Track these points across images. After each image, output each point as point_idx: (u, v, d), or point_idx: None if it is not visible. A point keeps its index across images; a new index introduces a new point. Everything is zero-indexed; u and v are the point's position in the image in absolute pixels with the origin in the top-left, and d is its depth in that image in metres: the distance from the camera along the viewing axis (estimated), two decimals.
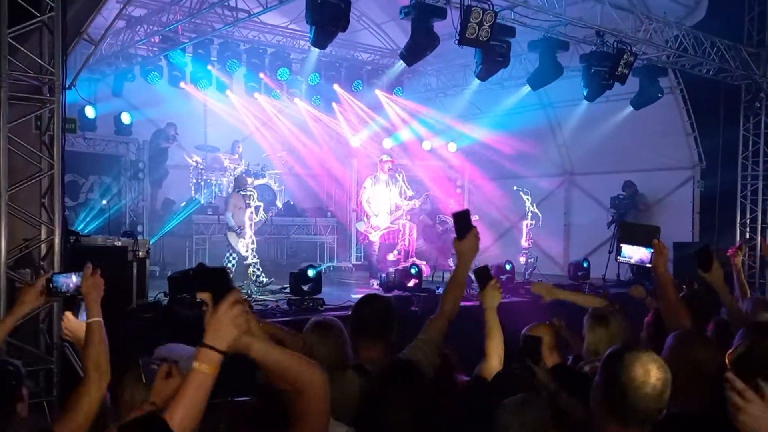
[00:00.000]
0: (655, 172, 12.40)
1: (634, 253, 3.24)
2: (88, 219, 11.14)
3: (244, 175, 10.56)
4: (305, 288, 7.93)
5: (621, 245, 3.28)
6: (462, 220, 2.98)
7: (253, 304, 7.95)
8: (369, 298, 3.26)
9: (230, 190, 12.16)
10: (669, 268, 3.32)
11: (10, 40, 5.17)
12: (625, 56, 9.52)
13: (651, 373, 2.23)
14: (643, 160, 12.22)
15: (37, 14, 5.32)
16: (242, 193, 9.71)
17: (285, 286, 8.91)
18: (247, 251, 8.90)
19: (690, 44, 10.17)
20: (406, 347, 2.93)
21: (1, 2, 5.11)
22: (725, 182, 11.62)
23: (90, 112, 11.53)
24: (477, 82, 10.95)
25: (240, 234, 9.39)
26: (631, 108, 11.14)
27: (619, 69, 9.57)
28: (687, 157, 12.27)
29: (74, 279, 2.91)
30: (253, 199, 9.31)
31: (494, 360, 3.12)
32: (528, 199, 11.51)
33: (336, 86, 13.35)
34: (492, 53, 8.99)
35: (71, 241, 6.11)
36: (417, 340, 2.93)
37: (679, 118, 12.07)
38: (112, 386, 2.63)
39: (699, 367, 2.74)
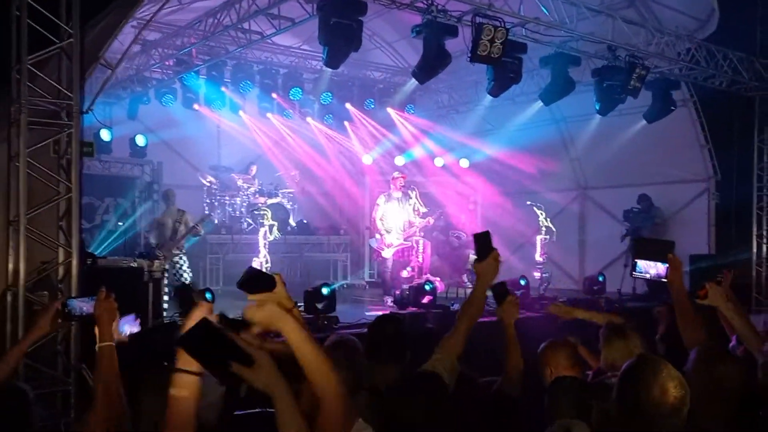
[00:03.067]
0: (669, 185, 12.33)
1: (650, 268, 3.23)
2: (104, 241, 11.23)
3: (171, 189, 10.44)
4: (319, 306, 7.94)
5: (636, 260, 3.26)
6: (482, 241, 2.97)
7: None
8: (380, 321, 3.25)
9: (243, 209, 12.26)
10: (685, 281, 3.32)
11: (29, 66, 5.26)
12: (637, 70, 9.52)
13: (669, 390, 2.21)
14: (658, 173, 12.16)
15: (56, 41, 5.41)
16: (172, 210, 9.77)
17: (299, 304, 8.92)
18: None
19: (702, 57, 10.16)
20: (422, 366, 2.91)
21: (21, 30, 5.20)
22: (741, 194, 11.55)
23: (105, 135, 11.66)
24: (489, 98, 10.98)
25: (156, 253, 9.21)
26: (644, 121, 11.11)
27: (632, 83, 9.56)
28: (701, 169, 12.21)
29: (88, 303, 2.94)
30: (267, 218, 9.35)
31: (513, 375, 3.10)
32: (542, 214, 11.48)
33: (348, 105, 13.44)
34: (504, 70, 9.02)
35: (88, 262, 6.16)
36: (433, 358, 2.92)
37: (693, 131, 12.03)
38: (131, 401, 2.66)
39: (722, 383, 2.72)
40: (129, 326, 3.07)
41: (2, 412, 2.40)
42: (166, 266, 9.13)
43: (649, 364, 2.34)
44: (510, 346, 3.25)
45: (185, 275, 9.48)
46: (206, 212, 11.54)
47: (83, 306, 2.97)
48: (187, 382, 1.79)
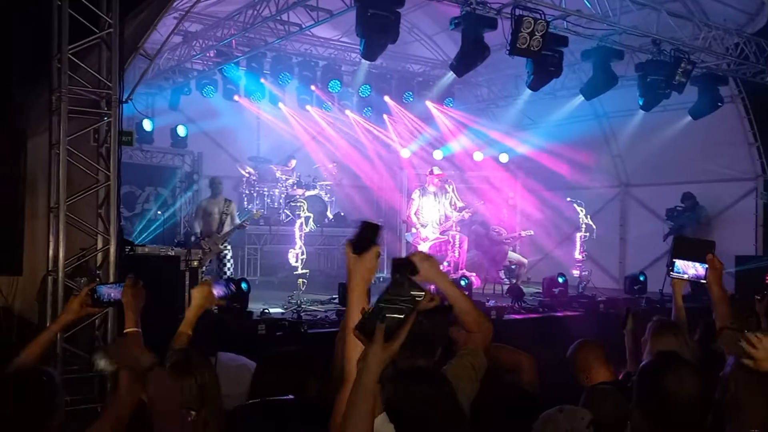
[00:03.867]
0: (715, 184, 11.98)
1: (689, 269, 3.13)
2: (143, 229, 11.43)
3: (219, 178, 10.27)
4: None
5: (674, 260, 3.16)
6: (399, 267, 2.43)
7: (302, 314, 8.01)
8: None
9: (281, 201, 12.34)
10: (730, 282, 3.22)
11: (70, 56, 5.36)
12: (682, 65, 9.28)
13: (686, 383, 2.19)
14: (703, 171, 11.83)
15: (96, 31, 5.50)
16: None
17: (334, 296, 8.95)
18: (297, 262, 8.97)
19: (752, 52, 9.85)
20: (449, 361, 2.87)
21: (62, 20, 5.29)
22: None
23: (147, 125, 11.86)
24: (529, 92, 10.82)
25: (201, 243, 9.21)
26: (689, 117, 10.82)
27: (677, 78, 9.33)
28: (749, 167, 11.84)
29: (116, 290, 2.99)
30: (303, 209, 9.38)
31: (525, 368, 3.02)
32: (582, 211, 11.29)
33: (387, 98, 13.40)
34: (544, 63, 8.86)
35: (126, 250, 6.26)
36: (458, 354, 2.87)
37: (741, 128, 11.67)
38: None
39: (762, 387, 2.64)
40: (220, 289, 3.15)
41: (25, 395, 2.44)
42: (209, 258, 9.21)
43: (665, 358, 2.33)
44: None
45: (228, 265, 9.52)
46: (257, 209, 11.44)
47: (111, 292, 3.02)
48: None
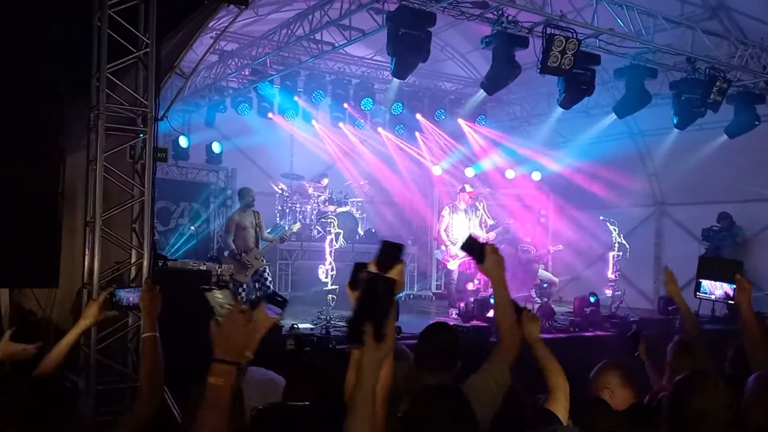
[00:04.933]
0: (752, 204, 11.74)
1: (715, 289, 3.09)
2: (177, 244, 11.62)
3: (251, 189, 9.82)
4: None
5: (700, 281, 3.13)
6: (471, 247, 2.83)
7: (331, 329, 8.04)
8: (432, 329, 3.21)
9: (313, 217, 12.44)
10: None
11: (108, 75, 5.52)
12: (718, 83, 9.18)
13: (717, 400, 2.18)
14: (740, 190, 11.61)
15: (134, 50, 5.66)
16: (252, 210, 9.32)
17: None
18: (326, 277, 9.02)
19: None
20: (470, 377, 2.88)
21: (102, 40, 5.46)
22: None
23: (183, 141, 12.11)
24: (561, 110, 10.78)
25: (240, 260, 9.03)
26: (725, 136, 10.66)
27: (712, 96, 9.22)
28: None
29: (134, 294, 3.06)
30: (334, 226, 9.43)
31: (559, 395, 3.00)
32: (615, 230, 11.16)
33: (418, 115, 13.47)
34: (575, 81, 8.84)
35: (159, 264, 6.38)
36: (481, 368, 2.88)
37: None
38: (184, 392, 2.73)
39: None
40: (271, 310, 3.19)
41: (44, 399, 2.49)
42: (251, 274, 9.15)
43: (697, 377, 2.32)
44: (545, 362, 3.06)
45: (269, 281, 9.42)
46: (293, 223, 11.34)
47: (130, 296, 3.10)
48: (224, 371, 1.84)
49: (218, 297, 1.95)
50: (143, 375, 2.75)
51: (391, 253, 2.24)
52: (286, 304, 2.94)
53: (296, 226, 9.87)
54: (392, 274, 2.04)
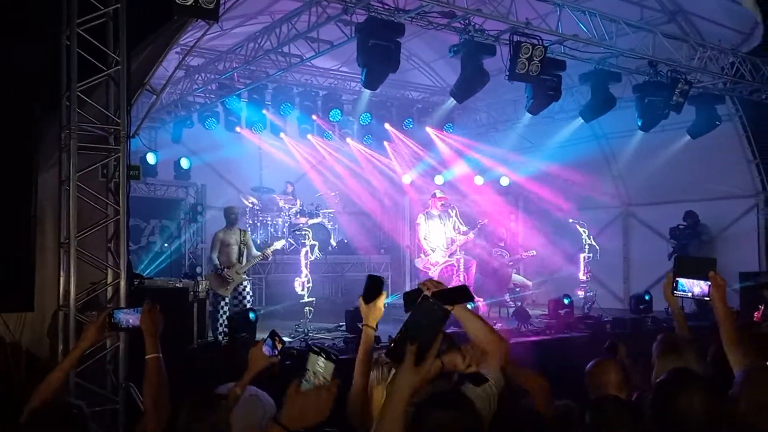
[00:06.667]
0: (716, 202, 12.05)
1: (693, 287, 3.15)
2: (150, 262, 11.46)
3: (235, 207, 10.01)
4: (360, 326, 7.93)
5: (678, 279, 3.19)
6: (375, 284, 2.79)
7: (310, 342, 8.01)
8: None
9: (285, 230, 12.39)
10: (735, 299, 3.25)
11: (79, 93, 5.45)
12: (679, 85, 9.40)
13: (697, 400, 2.22)
14: (704, 189, 11.91)
15: (104, 68, 5.60)
16: (236, 228, 9.48)
17: (341, 324, 8.96)
18: (303, 290, 8.98)
19: (747, 70, 9.97)
20: (465, 383, 2.89)
21: (71, 58, 5.39)
22: None
23: (151, 158, 11.97)
24: (528, 116, 10.94)
25: (221, 275, 9.10)
26: (688, 137, 10.92)
27: (674, 98, 9.45)
28: (749, 185, 11.93)
29: (133, 315, 3.02)
30: (309, 238, 9.42)
31: (537, 393, 3.04)
32: (584, 232, 11.33)
33: (387, 125, 13.53)
34: (543, 87, 8.99)
35: (135, 283, 6.30)
36: None
37: (740, 146, 11.78)
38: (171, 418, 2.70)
39: None
40: (268, 349, 3.16)
41: (60, 428, 2.45)
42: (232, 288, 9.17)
43: (679, 376, 2.36)
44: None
45: (248, 297, 9.40)
46: (280, 237, 11.40)
47: (129, 318, 3.05)
48: None
49: (319, 366, 1.80)
50: (148, 396, 2.72)
51: (375, 286, 2.61)
52: (284, 344, 3.00)
53: (280, 243, 9.82)
54: (377, 305, 2.37)
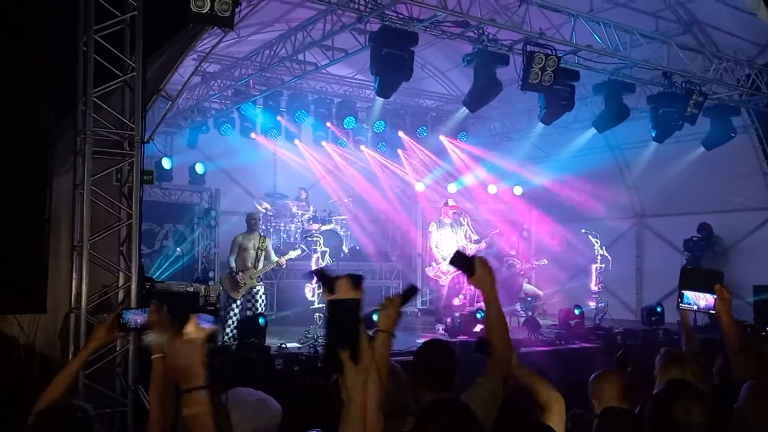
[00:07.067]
0: (730, 214, 11.95)
1: (699, 300, 3.15)
2: (162, 265, 11.56)
3: (256, 214, 10.25)
4: (370, 333, 7.93)
5: (683, 291, 3.19)
6: (460, 260, 2.86)
7: (318, 348, 8.03)
8: (430, 347, 3.22)
9: (297, 236, 12.44)
10: (749, 312, 3.23)
11: (95, 99, 5.53)
12: (694, 96, 9.37)
13: (694, 411, 2.23)
14: (718, 201, 11.82)
15: (120, 74, 5.68)
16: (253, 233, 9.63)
17: None
18: (313, 296, 9.03)
19: (763, 82, 9.92)
20: (465, 391, 2.90)
21: (88, 64, 5.48)
22: None
23: (166, 163, 12.09)
24: (542, 125, 10.92)
25: (234, 278, 9.24)
26: (702, 148, 10.86)
27: (689, 109, 9.41)
28: (764, 196, 11.80)
29: (141, 315, 3.07)
30: (320, 244, 9.47)
31: (554, 407, 3.02)
32: (597, 242, 11.28)
33: (401, 133, 13.58)
34: (556, 97, 8.99)
35: (147, 286, 6.37)
36: (476, 382, 2.90)
37: (755, 158, 11.66)
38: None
39: None
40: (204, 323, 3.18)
41: (66, 430, 2.48)
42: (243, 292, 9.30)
43: (675, 388, 2.37)
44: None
45: (260, 302, 9.51)
46: (294, 244, 11.56)
47: (137, 318, 3.10)
48: (195, 398, 1.85)
49: (151, 339, 1.96)
50: (154, 396, 2.75)
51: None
52: (218, 312, 3.03)
53: (295, 253, 9.92)
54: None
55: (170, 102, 6.90)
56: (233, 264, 9.40)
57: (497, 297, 2.87)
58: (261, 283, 9.58)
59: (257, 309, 9.25)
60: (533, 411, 3.21)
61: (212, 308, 8.60)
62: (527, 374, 3.14)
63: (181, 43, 6.33)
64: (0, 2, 5.23)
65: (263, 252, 9.55)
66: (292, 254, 9.89)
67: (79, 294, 5.53)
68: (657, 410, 2.40)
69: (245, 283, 9.19)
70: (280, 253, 12.03)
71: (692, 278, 3.21)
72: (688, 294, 3.17)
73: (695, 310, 3.19)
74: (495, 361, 2.98)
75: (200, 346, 1.90)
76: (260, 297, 9.48)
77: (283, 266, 10.05)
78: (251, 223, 9.73)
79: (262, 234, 9.93)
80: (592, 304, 11.07)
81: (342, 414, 1.92)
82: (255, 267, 9.40)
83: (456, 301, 10.76)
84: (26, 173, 5.23)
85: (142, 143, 5.83)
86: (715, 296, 3.10)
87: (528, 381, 3.11)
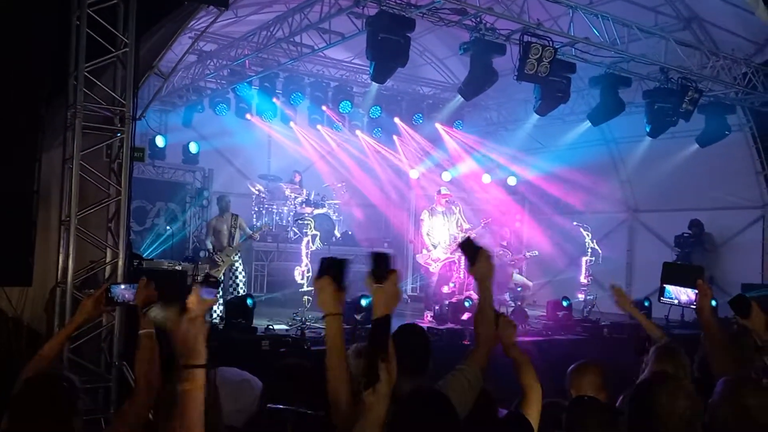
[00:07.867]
0: (722, 211, 12.00)
1: (680, 294, 3.16)
2: (153, 243, 11.55)
3: (226, 196, 10.44)
4: (358, 317, 8.00)
5: (664, 286, 3.20)
6: (468, 247, 2.90)
7: (306, 331, 8.06)
8: (404, 330, 3.23)
9: (290, 219, 12.45)
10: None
11: (86, 74, 5.49)
12: (690, 93, 9.37)
13: (678, 402, 2.24)
14: (710, 198, 11.86)
15: (112, 50, 5.63)
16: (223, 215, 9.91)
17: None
18: (302, 279, 9.05)
19: (759, 81, 9.92)
20: (443, 377, 2.91)
21: (80, 39, 5.44)
22: None
23: (160, 141, 12.05)
24: (537, 116, 10.92)
25: (212, 258, 9.54)
26: (697, 145, 10.88)
27: (684, 106, 9.42)
28: (756, 196, 11.86)
29: (130, 291, 3.08)
30: (311, 228, 9.49)
31: (532, 396, 3.04)
32: (588, 235, 11.32)
33: (397, 119, 13.55)
34: (551, 89, 8.98)
35: (134, 263, 6.36)
36: (456, 369, 2.91)
37: (749, 157, 11.70)
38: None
39: (749, 414, 2.66)
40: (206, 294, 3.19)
41: (51, 399, 2.49)
42: (224, 270, 9.55)
43: (660, 378, 2.38)
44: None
45: (240, 277, 9.74)
46: (264, 222, 11.90)
47: (125, 293, 3.11)
48: (194, 375, 1.86)
49: (156, 314, 1.98)
50: (139, 370, 2.77)
51: (382, 264, 2.52)
52: (219, 284, 3.05)
53: (265, 227, 10.29)
54: (388, 285, 2.35)
55: (164, 80, 6.85)
56: (209, 246, 9.72)
57: (491, 292, 2.91)
58: (239, 259, 9.85)
59: (238, 284, 9.51)
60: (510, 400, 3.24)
61: (214, 280, 8.66)
62: (520, 355, 3.15)
63: (176, 20, 6.27)
64: None
65: (236, 230, 9.83)
66: (263, 227, 10.37)
67: (65, 268, 5.52)
68: (638, 399, 2.40)
69: (223, 262, 9.48)
70: (271, 236, 12.11)
71: (674, 273, 3.23)
72: (670, 288, 3.19)
73: (676, 305, 3.21)
74: (477, 351, 3.00)
75: (203, 324, 1.91)
76: (240, 272, 9.81)
77: (256, 239, 10.44)
78: (222, 204, 10.02)
79: (234, 214, 10.11)
80: (581, 296, 11.13)
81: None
82: (230, 245, 9.68)
83: (445, 289, 10.79)
84: (16, 146, 5.20)
85: (133, 120, 5.79)
86: (697, 291, 3.11)
87: (518, 357, 3.11)
